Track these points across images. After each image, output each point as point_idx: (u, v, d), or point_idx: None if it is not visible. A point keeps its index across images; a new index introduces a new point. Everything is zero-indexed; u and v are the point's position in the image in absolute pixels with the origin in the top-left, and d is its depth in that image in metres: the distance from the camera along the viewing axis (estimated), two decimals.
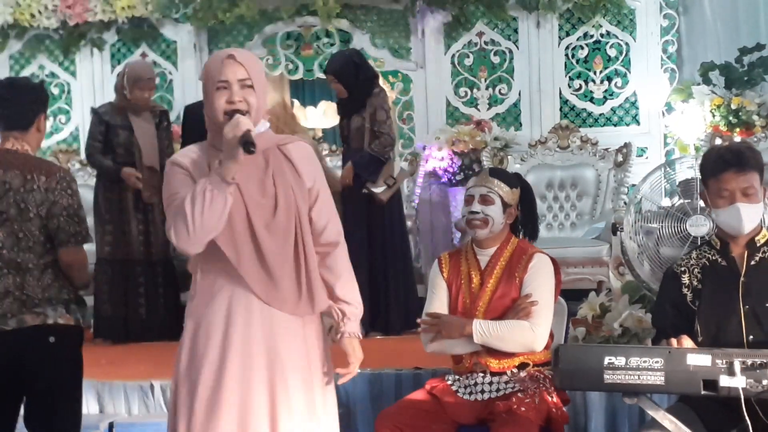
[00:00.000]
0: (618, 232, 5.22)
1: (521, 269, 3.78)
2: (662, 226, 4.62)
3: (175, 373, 2.99)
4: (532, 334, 3.68)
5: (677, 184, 4.91)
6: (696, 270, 3.36)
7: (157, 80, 7.94)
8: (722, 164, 3.24)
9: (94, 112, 6.59)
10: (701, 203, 4.60)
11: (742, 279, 3.26)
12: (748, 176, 3.23)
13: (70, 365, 3.54)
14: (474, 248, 3.90)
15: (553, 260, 3.85)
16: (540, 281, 3.76)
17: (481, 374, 3.76)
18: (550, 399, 3.67)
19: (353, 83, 6.18)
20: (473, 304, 3.78)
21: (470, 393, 3.76)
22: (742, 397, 2.81)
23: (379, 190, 6.09)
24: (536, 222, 4.02)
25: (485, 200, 3.81)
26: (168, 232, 2.88)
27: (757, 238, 3.30)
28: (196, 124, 6.47)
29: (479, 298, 3.78)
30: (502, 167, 6.91)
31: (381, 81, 8.20)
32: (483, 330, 3.68)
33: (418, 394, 3.85)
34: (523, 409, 3.58)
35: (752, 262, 3.28)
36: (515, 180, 3.95)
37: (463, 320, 3.72)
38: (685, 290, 3.35)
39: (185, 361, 2.96)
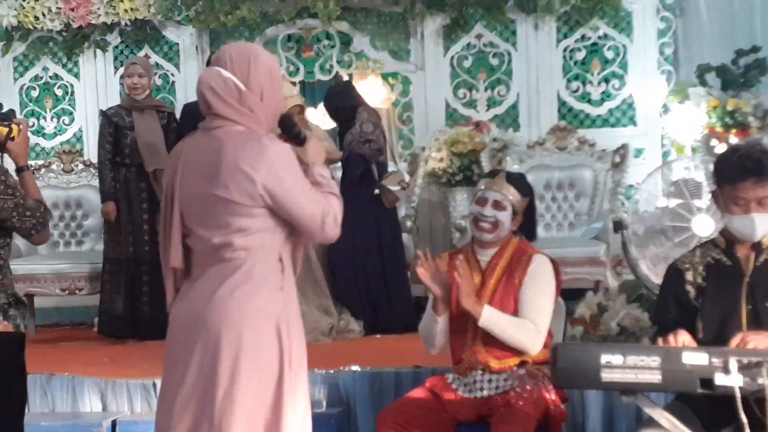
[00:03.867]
0: (621, 231, 5.25)
1: (521, 271, 3.80)
2: (670, 226, 4.67)
3: (277, 370, 2.88)
4: (535, 338, 3.71)
5: (671, 183, 4.96)
6: (700, 268, 3.35)
7: (159, 81, 8.04)
8: (742, 173, 3.20)
9: (103, 114, 6.65)
10: (698, 203, 4.66)
11: (747, 279, 3.26)
12: (766, 186, 3.19)
13: (11, 373, 3.46)
14: (475, 249, 3.92)
15: (552, 261, 3.88)
16: (540, 286, 3.79)
17: (480, 371, 3.79)
18: (548, 396, 3.70)
19: (337, 115, 6.53)
20: None
21: (470, 390, 3.79)
22: (738, 395, 2.83)
23: (395, 188, 6.19)
24: (535, 225, 4.03)
25: (498, 206, 3.81)
26: (327, 219, 2.89)
27: (763, 240, 3.29)
28: (193, 122, 6.59)
29: (480, 298, 3.78)
30: (501, 168, 6.94)
31: (381, 83, 8.26)
32: (492, 318, 3.69)
33: (419, 392, 3.87)
34: (521, 403, 3.61)
35: (758, 263, 3.28)
36: (527, 188, 3.94)
37: (475, 299, 3.73)
38: (688, 287, 3.34)
39: (281, 357, 2.89)
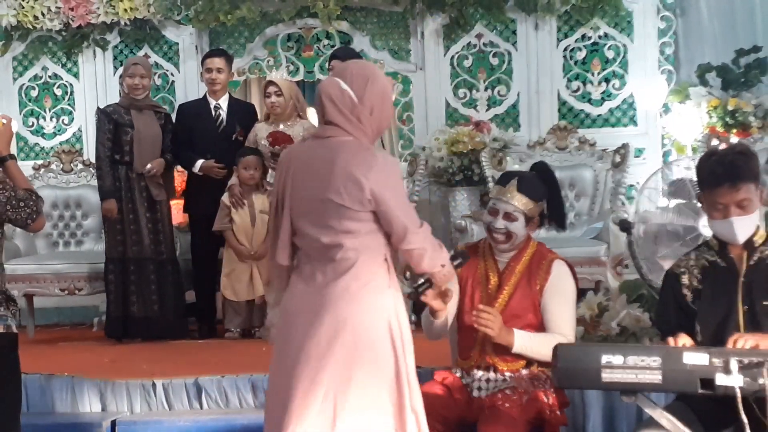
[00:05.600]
0: (628, 231, 5.23)
1: (542, 276, 3.77)
2: (680, 225, 4.66)
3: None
4: None
5: (670, 183, 4.95)
6: (696, 271, 3.37)
7: (159, 81, 8.03)
8: (715, 178, 3.22)
9: (102, 111, 6.60)
10: (698, 203, 4.66)
11: (741, 279, 3.28)
12: (742, 189, 3.20)
13: (4, 373, 3.46)
14: (492, 248, 3.87)
15: (570, 266, 3.85)
16: (564, 296, 3.77)
17: (482, 372, 3.76)
18: (545, 399, 3.66)
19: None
20: (489, 305, 3.73)
21: (470, 390, 3.77)
22: (739, 395, 2.84)
23: None
24: (563, 213, 3.96)
25: (509, 217, 3.76)
26: (409, 237, 3.13)
27: (755, 239, 3.31)
28: (189, 122, 6.60)
29: (495, 300, 3.76)
30: (501, 168, 6.93)
31: None
32: (524, 345, 3.66)
33: (435, 387, 3.79)
34: (507, 405, 3.58)
35: (751, 262, 3.29)
36: (542, 191, 3.84)
37: (506, 329, 3.66)
38: (685, 291, 3.37)
39: (395, 348, 3.17)
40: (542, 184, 3.89)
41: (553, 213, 3.91)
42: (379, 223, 3.14)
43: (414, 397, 3.17)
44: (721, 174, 3.21)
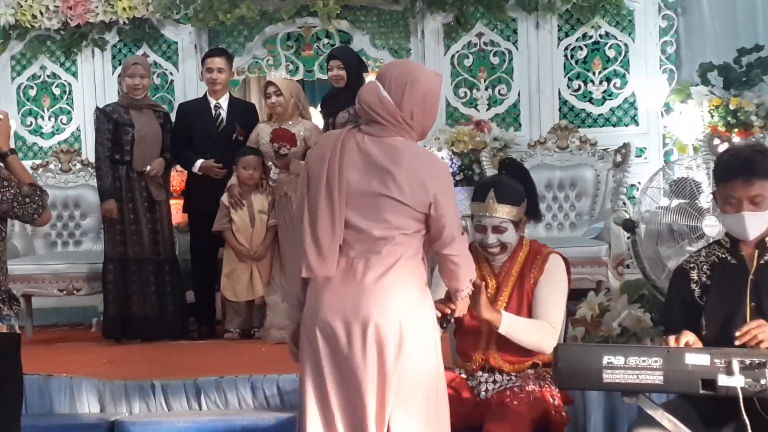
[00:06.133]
0: (633, 230, 5.23)
1: (536, 269, 3.77)
2: (684, 225, 4.65)
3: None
4: (552, 338, 3.65)
5: (672, 183, 4.94)
6: (705, 267, 3.39)
7: (158, 80, 8.01)
8: (730, 172, 3.25)
9: (101, 111, 6.58)
10: (698, 203, 4.65)
11: (751, 277, 3.29)
12: (756, 185, 3.22)
13: (6, 374, 3.46)
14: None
15: (565, 260, 3.85)
16: (555, 285, 3.75)
17: (487, 374, 3.76)
18: (550, 400, 3.65)
19: (354, 74, 6.38)
20: None
21: (477, 393, 3.75)
22: (741, 396, 2.83)
23: None
24: (538, 205, 3.93)
25: (498, 230, 3.73)
26: (452, 243, 3.18)
27: (767, 239, 3.32)
28: (188, 122, 6.59)
29: (495, 303, 3.73)
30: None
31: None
32: (511, 325, 3.64)
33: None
34: (515, 402, 3.56)
35: (762, 261, 3.31)
36: (520, 192, 3.78)
37: (493, 307, 3.66)
38: (693, 286, 3.38)
39: (436, 346, 3.26)
40: (518, 184, 3.82)
41: (530, 208, 3.85)
42: (425, 224, 3.18)
43: (441, 394, 3.26)
44: (736, 168, 3.24)
